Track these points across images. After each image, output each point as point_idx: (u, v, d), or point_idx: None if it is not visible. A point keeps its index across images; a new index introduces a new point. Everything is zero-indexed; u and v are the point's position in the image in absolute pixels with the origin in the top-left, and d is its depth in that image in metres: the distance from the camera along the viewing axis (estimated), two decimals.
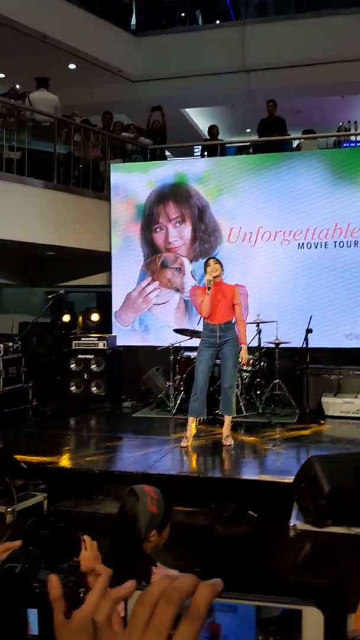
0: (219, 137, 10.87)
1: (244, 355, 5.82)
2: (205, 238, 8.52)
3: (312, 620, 0.56)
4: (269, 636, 0.56)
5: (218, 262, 5.86)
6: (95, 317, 9.09)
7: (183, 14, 11.85)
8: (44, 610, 0.82)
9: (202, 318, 6.05)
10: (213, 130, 10.66)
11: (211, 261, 5.89)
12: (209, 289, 5.71)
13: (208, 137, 10.83)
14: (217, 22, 11.54)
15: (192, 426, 5.93)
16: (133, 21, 11.89)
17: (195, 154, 12.86)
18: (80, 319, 9.40)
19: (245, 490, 4.83)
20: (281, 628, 0.56)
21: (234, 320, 5.85)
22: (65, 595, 0.79)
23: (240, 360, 5.84)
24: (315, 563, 1.42)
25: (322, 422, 7.02)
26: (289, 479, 4.39)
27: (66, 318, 9.50)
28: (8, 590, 0.89)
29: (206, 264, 5.93)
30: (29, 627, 0.86)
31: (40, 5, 9.50)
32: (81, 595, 0.82)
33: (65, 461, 5.60)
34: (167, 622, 0.53)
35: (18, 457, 4.94)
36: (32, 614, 0.86)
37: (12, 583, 0.88)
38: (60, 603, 0.79)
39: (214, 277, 5.77)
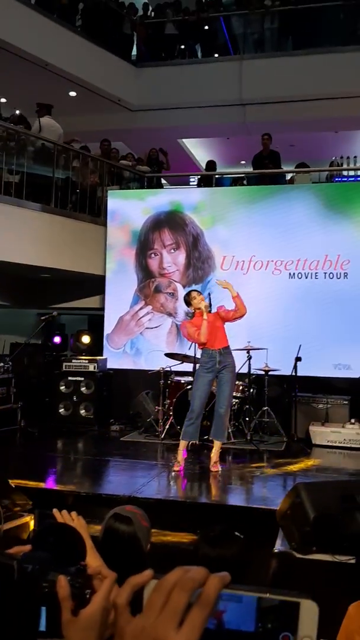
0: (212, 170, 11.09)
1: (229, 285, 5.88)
2: (198, 265, 8.65)
3: (309, 611, 0.62)
4: (267, 623, 0.62)
5: (200, 294, 6.01)
6: (86, 339, 9.14)
7: (183, 47, 12.15)
8: (52, 608, 0.89)
9: (196, 344, 6.13)
10: (211, 165, 10.92)
11: (195, 293, 6.02)
12: (210, 310, 5.86)
13: (204, 169, 11.04)
14: (216, 55, 11.84)
15: (182, 450, 5.96)
16: (134, 52, 12.19)
17: (191, 183, 13.08)
18: (73, 340, 9.44)
19: (231, 515, 4.85)
20: (278, 616, 0.62)
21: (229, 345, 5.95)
22: (73, 595, 0.86)
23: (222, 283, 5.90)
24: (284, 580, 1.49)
25: (309, 451, 7.06)
26: (275, 506, 4.42)
27: (57, 339, 9.53)
28: (23, 587, 0.95)
29: (190, 297, 6.00)
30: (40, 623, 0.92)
31: (43, 34, 9.74)
32: (87, 596, 0.89)
33: (52, 483, 5.60)
34: (180, 607, 0.60)
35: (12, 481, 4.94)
36: (42, 612, 0.92)
37: (24, 581, 0.94)
38: (68, 602, 0.86)
39: (204, 308, 5.90)
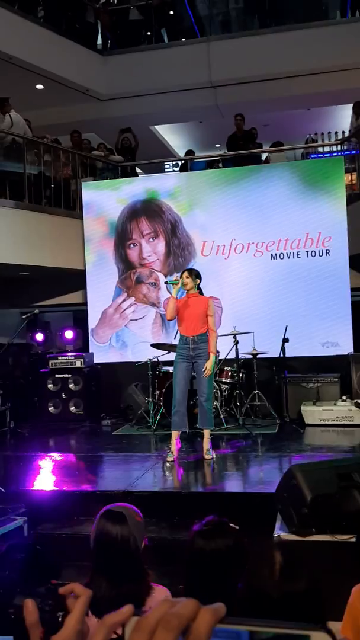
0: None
1: (208, 365, 5.76)
2: (179, 252, 8.55)
3: None
4: None
5: (191, 275, 5.84)
6: (69, 334, 9.03)
7: (149, 33, 11.95)
8: (20, 637, 0.79)
9: (177, 331, 6.05)
10: (190, 154, 10.85)
11: (184, 274, 5.90)
12: (166, 283, 5.72)
13: (180, 156, 10.92)
14: (183, 39, 11.66)
15: (174, 440, 5.89)
16: (99, 41, 11.98)
17: (166, 170, 12.94)
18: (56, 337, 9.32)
19: (228, 503, 4.80)
20: None
21: (207, 332, 5.84)
22: (42, 620, 0.76)
23: (204, 370, 5.78)
24: (289, 571, 1.40)
25: (302, 431, 7.04)
26: (272, 490, 4.37)
27: (39, 337, 9.42)
28: None
29: (180, 276, 5.95)
30: None
31: (5, 27, 9.51)
32: (59, 619, 0.79)
33: (44, 483, 5.52)
34: None
35: None
36: None
37: None
38: (37, 629, 0.76)
39: (187, 290, 5.81)
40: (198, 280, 5.86)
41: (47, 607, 0.79)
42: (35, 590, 0.82)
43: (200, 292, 5.92)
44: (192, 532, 2.39)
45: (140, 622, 0.53)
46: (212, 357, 5.76)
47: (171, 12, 11.95)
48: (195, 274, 5.88)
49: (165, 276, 8.57)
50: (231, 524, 2.50)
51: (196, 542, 2.30)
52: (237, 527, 2.51)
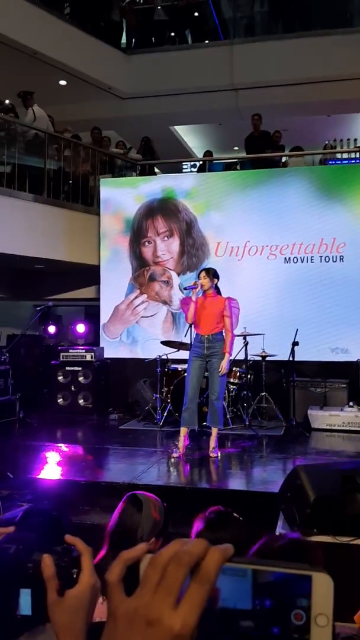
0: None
1: (223, 364, 5.81)
2: (193, 252, 8.60)
3: (323, 585, 0.55)
4: (266, 599, 0.56)
5: (209, 275, 5.88)
6: (81, 328, 9.12)
7: (173, 33, 12.02)
8: (37, 590, 0.85)
9: (189, 329, 6.11)
10: (208, 155, 10.91)
11: (202, 274, 5.95)
12: (185, 289, 5.80)
13: (198, 157, 10.97)
14: (206, 41, 11.71)
15: (183, 437, 5.95)
16: (124, 39, 12.06)
17: (184, 170, 12.98)
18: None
19: (231, 500, 4.84)
20: (286, 591, 0.56)
21: (222, 332, 5.89)
22: (59, 575, 0.82)
23: (220, 369, 5.83)
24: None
25: (308, 435, 7.07)
26: (276, 490, 4.41)
27: (51, 329, 9.51)
28: (1, 570, 0.92)
29: (198, 276, 6.02)
30: (18, 607, 0.89)
31: (31, 22, 9.62)
32: (74, 575, 0.85)
33: (51, 472, 5.59)
34: (177, 584, 0.54)
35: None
36: (26, 594, 0.88)
37: (5, 563, 0.91)
38: (54, 582, 0.82)
39: (204, 290, 5.86)
40: (215, 280, 5.92)
41: (63, 564, 0.85)
42: (52, 548, 0.88)
43: (218, 291, 5.98)
44: (197, 521, 2.44)
45: (153, 558, 0.56)
46: (227, 356, 5.82)
47: (196, 14, 12.01)
48: (213, 273, 5.93)
49: (178, 275, 8.63)
50: (235, 514, 2.55)
51: (201, 531, 2.35)
52: (240, 518, 2.56)
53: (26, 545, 0.90)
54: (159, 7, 11.97)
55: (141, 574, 0.57)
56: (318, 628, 0.54)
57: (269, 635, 0.55)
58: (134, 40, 12.00)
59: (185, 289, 5.97)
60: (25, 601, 0.87)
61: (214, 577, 0.54)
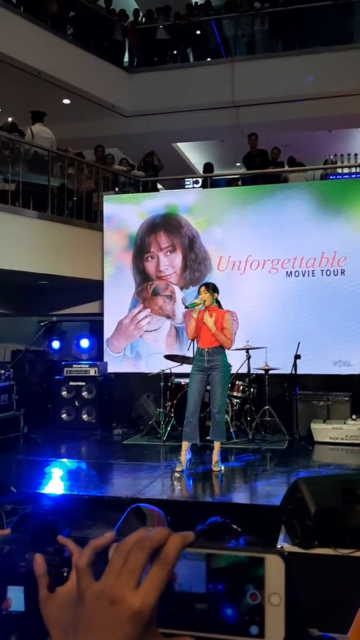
0: (210, 172, 11.15)
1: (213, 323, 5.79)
2: (195, 266, 8.68)
3: (275, 566, 0.59)
4: (218, 582, 0.59)
5: (208, 290, 5.92)
6: (85, 343, 9.18)
7: (174, 52, 12.20)
8: (29, 587, 0.90)
9: (192, 343, 6.16)
10: (208, 167, 11.02)
11: (201, 289, 5.99)
12: (186, 307, 5.85)
13: (200, 173, 11.09)
14: (208, 59, 11.89)
15: (184, 451, 5.96)
16: (126, 58, 12.25)
17: (186, 187, 13.11)
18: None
19: (233, 513, 4.86)
20: (228, 577, 0.59)
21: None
22: (50, 573, 0.87)
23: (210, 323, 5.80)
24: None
25: (311, 448, 7.07)
26: (278, 503, 4.42)
27: (55, 344, 9.57)
28: None
29: (198, 291, 6.07)
30: (7, 603, 0.93)
31: (36, 43, 9.80)
32: (64, 574, 0.90)
33: (54, 487, 5.62)
34: (138, 566, 0.58)
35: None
36: (19, 592, 0.93)
37: None
38: (45, 579, 0.87)
39: (206, 306, 5.89)
40: (216, 294, 5.96)
41: (54, 563, 0.90)
42: (44, 548, 0.93)
43: (219, 304, 6.03)
44: (195, 532, 2.47)
45: (119, 545, 0.61)
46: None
47: (197, 32, 12.20)
48: (212, 288, 5.98)
49: (181, 289, 8.70)
50: (234, 526, 2.58)
51: (199, 543, 2.38)
52: (240, 529, 2.59)
53: (20, 546, 0.95)
54: (160, 27, 12.18)
55: (109, 559, 0.62)
56: (272, 607, 0.58)
57: (223, 615, 0.59)
58: (136, 59, 12.20)
59: (187, 307, 6.01)
60: (18, 598, 0.92)
61: (173, 560, 0.58)
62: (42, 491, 5.38)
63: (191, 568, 0.60)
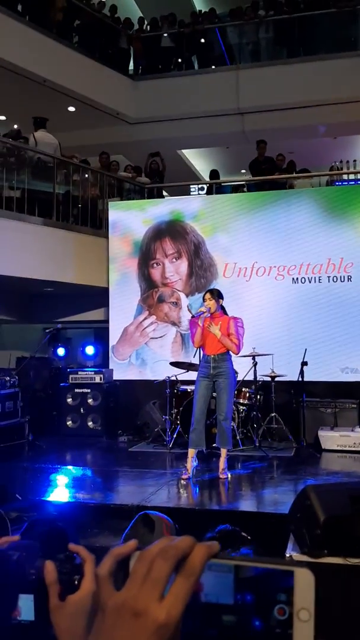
0: (216, 179, 11.16)
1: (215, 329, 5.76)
2: (201, 273, 8.65)
3: (304, 580, 0.56)
4: (247, 594, 0.57)
5: (213, 297, 5.89)
6: (90, 350, 9.15)
7: (179, 59, 12.24)
8: (40, 595, 0.86)
9: (197, 350, 6.14)
10: (214, 174, 11.07)
11: (206, 296, 5.96)
12: (193, 316, 5.83)
13: (205, 179, 11.11)
14: (213, 66, 11.92)
15: (191, 458, 5.92)
16: (131, 66, 12.30)
17: (192, 193, 13.11)
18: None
19: (241, 521, 4.80)
20: (268, 586, 0.57)
21: (229, 352, 5.88)
22: (60, 581, 0.84)
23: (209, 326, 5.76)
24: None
25: (319, 455, 7.01)
26: (286, 511, 4.37)
27: (61, 352, 9.55)
28: (2, 575, 0.93)
29: (203, 298, 6.04)
30: (18, 612, 0.90)
31: (40, 51, 9.84)
32: (75, 582, 0.86)
33: (60, 494, 5.57)
34: (163, 577, 0.55)
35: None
36: (29, 600, 0.90)
37: (7, 568, 0.92)
38: (55, 587, 0.84)
39: (212, 313, 5.86)
40: (221, 300, 5.93)
41: (65, 570, 0.87)
42: (55, 556, 0.90)
43: (224, 311, 6.00)
44: (206, 539, 2.43)
45: (142, 553, 0.58)
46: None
47: (202, 40, 12.24)
48: (217, 294, 5.95)
49: (187, 296, 8.68)
50: (243, 533, 2.54)
51: None
52: (249, 537, 2.55)
53: (29, 553, 0.92)
54: (165, 35, 12.22)
55: (130, 569, 0.59)
56: (300, 622, 0.56)
57: (251, 629, 0.57)
58: (141, 66, 12.25)
59: (193, 317, 5.97)
60: (28, 607, 0.88)
61: (199, 571, 0.56)
62: (48, 499, 5.34)
63: (218, 578, 0.58)
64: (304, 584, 0.56)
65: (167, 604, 0.54)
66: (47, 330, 8.24)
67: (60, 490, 5.76)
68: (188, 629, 0.56)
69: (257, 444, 7.16)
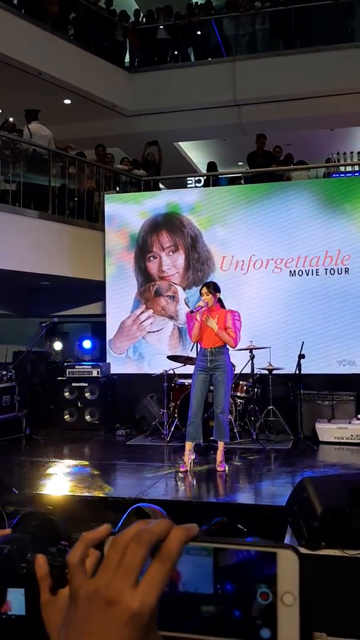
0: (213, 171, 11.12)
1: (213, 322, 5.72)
2: (198, 266, 8.62)
3: (288, 562, 0.53)
4: (226, 582, 0.54)
5: (211, 291, 5.85)
6: (87, 344, 9.14)
7: (176, 52, 12.17)
8: (30, 590, 0.85)
9: (194, 344, 6.13)
10: (212, 166, 11.02)
11: (203, 290, 5.92)
12: (191, 312, 5.81)
13: (202, 172, 11.07)
14: (209, 59, 11.85)
15: (188, 451, 5.92)
16: (127, 58, 12.23)
17: (188, 186, 13.08)
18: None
19: (238, 514, 4.80)
20: (238, 576, 0.54)
21: (226, 345, 5.87)
22: (52, 575, 0.82)
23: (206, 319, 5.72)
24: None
25: (316, 448, 7.01)
26: (283, 503, 4.37)
27: (57, 346, 9.52)
28: None
29: (200, 292, 6.00)
30: (7, 606, 0.88)
31: (36, 43, 9.77)
32: (67, 575, 0.85)
33: (57, 488, 5.56)
34: (136, 563, 0.52)
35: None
36: (20, 594, 0.88)
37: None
38: (47, 581, 0.82)
39: (209, 307, 5.83)
40: (217, 294, 5.91)
41: (57, 564, 0.85)
42: (46, 549, 0.88)
43: (221, 304, 5.98)
44: (201, 532, 2.42)
45: (115, 539, 0.55)
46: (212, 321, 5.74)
47: (198, 32, 12.17)
48: (214, 287, 5.92)
49: (184, 289, 8.65)
50: (239, 525, 2.53)
51: None
52: (245, 529, 2.54)
53: (20, 546, 0.90)
54: (161, 27, 12.15)
55: (105, 555, 0.56)
56: (285, 607, 0.53)
57: (231, 619, 0.54)
58: (137, 59, 12.18)
59: (191, 312, 5.95)
60: (18, 601, 0.86)
61: (175, 555, 0.52)
62: (45, 492, 5.33)
63: (197, 566, 0.54)
64: (288, 566, 0.53)
65: (141, 591, 0.51)
66: (43, 324, 8.22)
67: (58, 484, 5.75)
68: (165, 619, 0.54)
69: (255, 437, 7.16)
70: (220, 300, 5.96)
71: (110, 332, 8.88)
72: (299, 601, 0.53)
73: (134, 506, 2.39)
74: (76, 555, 0.57)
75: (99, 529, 0.59)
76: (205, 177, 11.11)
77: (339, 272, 8.12)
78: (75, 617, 0.54)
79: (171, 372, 7.57)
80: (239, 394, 7.43)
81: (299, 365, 7.37)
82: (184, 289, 8.66)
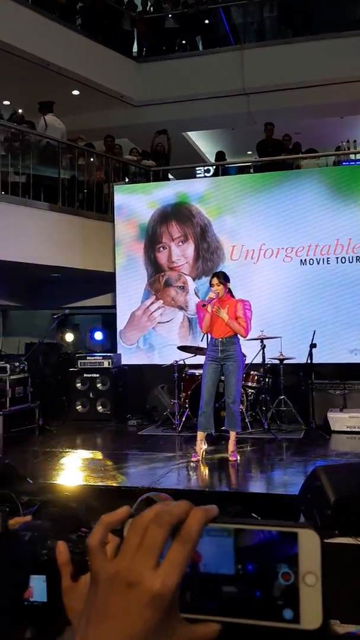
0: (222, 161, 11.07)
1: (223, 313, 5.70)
2: (208, 256, 8.60)
3: (310, 542, 0.53)
4: (249, 562, 0.54)
5: (221, 282, 5.83)
6: (98, 335, 9.17)
7: (183, 41, 12.09)
8: (52, 576, 0.85)
9: (205, 334, 6.13)
10: (221, 155, 10.96)
11: (213, 281, 5.90)
12: (203, 305, 5.81)
13: (211, 161, 11.02)
14: (217, 47, 11.76)
15: (200, 441, 5.93)
16: (135, 48, 12.16)
17: (197, 176, 13.04)
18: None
19: (251, 503, 4.82)
20: (259, 556, 0.54)
21: (237, 335, 5.86)
22: (73, 562, 0.83)
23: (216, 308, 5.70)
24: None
25: (328, 437, 7.01)
26: (296, 492, 4.38)
27: (69, 337, 9.56)
28: (14, 555, 0.92)
29: (210, 282, 5.99)
30: (29, 592, 0.89)
31: (44, 34, 9.74)
32: (88, 562, 0.85)
33: (70, 478, 5.60)
34: (157, 544, 0.52)
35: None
36: (41, 581, 0.89)
37: (19, 548, 0.91)
38: (68, 568, 0.82)
39: (220, 297, 5.81)
40: (228, 283, 5.90)
41: (77, 550, 0.86)
42: (67, 536, 0.88)
43: (231, 293, 5.97)
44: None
45: (134, 520, 0.55)
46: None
47: (206, 21, 12.08)
48: (224, 277, 5.91)
49: (194, 280, 8.64)
50: (253, 514, 2.54)
51: None
52: (259, 518, 2.55)
53: (41, 533, 0.91)
54: (169, 16, 12.06)
55: (125, 537, 0.55)
56: (307, 587, 0.53)
57: (252, 600, 0.54)
58: (145, 48, 12.11)
59: (203, 305, 5.93)
60: (40, 588, 0.87)
61: (195, 536, 0.52)
62: (58, 482, 5.37)
63: (217, 547, 0.54)
64: (310, 545, 0.53)
65: (162, 572, 0.51)
66: (55, 316, 8.25)
67: (71, 474, 5.79)
68: (186, 601, 0.54)
69: (266, 427, 7.16)
70: (230, 290, 5.95)
71: (121, 323, 8.90)
72: (321, 581, 0.53)
73: (144, 496, 2.41)
74: (96, 538, 0.57)
75: (118, 511, 0.59)
76: (214, 167, 11.06)
77: (350, 261, 8.07)
78: (96, 600, 0.54)
79: (181, 362, 7.58)
80: (250, 383, 7.44)
81: (310, 355, 7.35)
82: (194, 279, 8.65)
